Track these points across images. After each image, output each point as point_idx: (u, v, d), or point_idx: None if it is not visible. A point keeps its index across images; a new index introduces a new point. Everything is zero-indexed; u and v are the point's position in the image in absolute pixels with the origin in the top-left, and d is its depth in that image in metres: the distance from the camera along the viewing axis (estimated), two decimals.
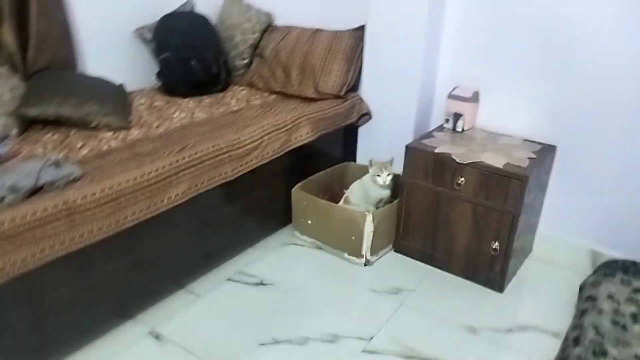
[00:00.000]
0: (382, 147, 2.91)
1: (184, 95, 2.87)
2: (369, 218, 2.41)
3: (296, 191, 2.65)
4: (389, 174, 2.52)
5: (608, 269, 2.30)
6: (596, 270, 2.37)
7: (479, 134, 2.58)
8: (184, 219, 2.17)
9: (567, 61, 2.34)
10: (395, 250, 2.66)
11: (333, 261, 2.57)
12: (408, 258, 2.61)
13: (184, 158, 2.06)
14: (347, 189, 2.84)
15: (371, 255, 2.52)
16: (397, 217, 2.57)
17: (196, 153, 2.11)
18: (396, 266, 2.55)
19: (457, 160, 2.27)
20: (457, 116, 2.60)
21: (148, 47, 3.12)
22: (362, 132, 2.99)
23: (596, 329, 1.93)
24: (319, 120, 2.65)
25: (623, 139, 2.28)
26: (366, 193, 2.62)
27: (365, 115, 2.89)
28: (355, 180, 2.76)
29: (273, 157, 2.45)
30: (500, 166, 2.20)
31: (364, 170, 2.82)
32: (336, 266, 2.53)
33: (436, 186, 2.39)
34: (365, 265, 2.53)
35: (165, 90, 2.94)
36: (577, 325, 1.99)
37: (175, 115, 2.57)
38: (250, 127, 2.37)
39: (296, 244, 2.71)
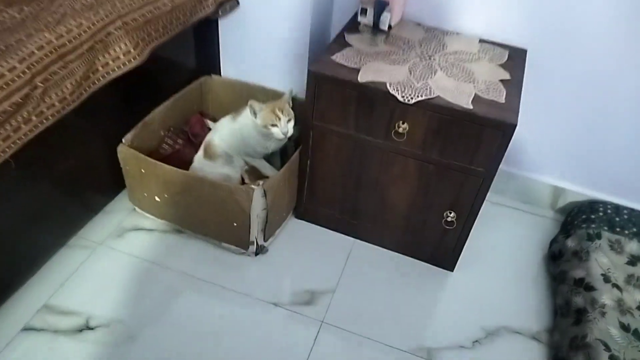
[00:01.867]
0: (259, 51, 1.84)
1: None
2: (258, 194, 1.47)
3: (124, 150, 1.56)
4: (289, 119, 1.53)
5: (589, 224, 1.68)
6: (571, 222, 1.76)
7: (415, 34, 1.63)
8: None
9: None
10: (297, 217, 1.79)
11: (204, 253, 1.64)
12: (318, 227, 1.77)
13: None
14: (214, 120, 1.83)
15: (265, 239, 1.63)
16: (300, 173, 1.66)
17: None
18: (304, 245, 1.71)
19: (399, 98, 1.35)
20: (380, 5, 1.59)
21: None
22: (226, 26, 1.86)
23: (606, 345, 1.35)
24: (146, 23, 1.47)
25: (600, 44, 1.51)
26: (246, 144, 1.63)
27: (229, 2, 1.74)
28: (221, 112, 1.73)
29: (67, 109, 1.30)
30: (468, 105, 1.33)
31: (234, 88, 1.81)
32: (210, 262, 1.62)
33: (361, 134, 1.47)
34: (257, 254, 1.65)
35: None
36: (577, 339, 1.39)
37: None
38: (4, 61, 1.16)
39: (140, 229, 1.70)
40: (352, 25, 1.64)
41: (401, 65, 1.46)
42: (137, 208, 1.72)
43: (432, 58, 1.51)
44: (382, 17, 1.60)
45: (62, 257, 1.57)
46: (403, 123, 1.39)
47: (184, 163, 1.70)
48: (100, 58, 1.36)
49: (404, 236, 1.65)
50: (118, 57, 1.39)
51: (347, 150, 1.52)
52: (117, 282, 1.53)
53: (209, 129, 1.85)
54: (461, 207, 1.50)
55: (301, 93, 1.75)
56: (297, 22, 1.71)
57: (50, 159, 1.42)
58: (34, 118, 1.22)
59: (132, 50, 1.41)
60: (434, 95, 1.35)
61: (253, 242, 1.60)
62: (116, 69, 1.40)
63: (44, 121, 1.25)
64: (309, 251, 1.69)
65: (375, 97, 1.38)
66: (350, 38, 1.56)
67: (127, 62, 1.41)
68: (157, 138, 1.76)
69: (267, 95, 1.86)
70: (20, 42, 1.22)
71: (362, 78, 1.39)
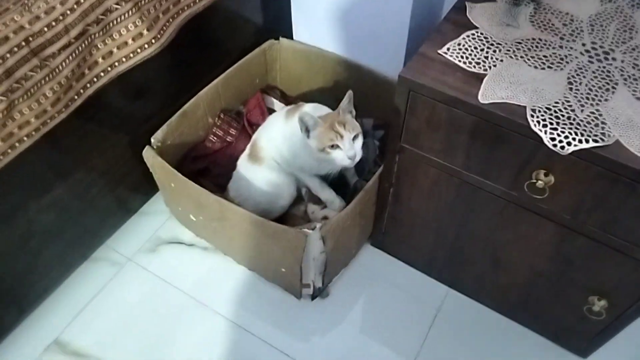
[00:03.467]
0: (341, 9, 1.32)
1: None
2: (314, 239, 1.05)
3: (151, 157, 1.19)
4: (356, 135, 1.06)
5: None
6: None
7: (583, 5, 1.01)
8: None
9: None
10: (374, 245, 1.36)
11: (251, 287, 1.29)
12: (400, 263, 1.33)
13: None
14: (280, 99, 1.41)
15: (325, 283, 1.23)
16: (379, 199, 1.19)
17: None
18: (378, 288, 1.29)
19: (547, 142, 0.80)
20: None
21: None
22: None
23: None
24: None
25: None
26: (296, 157, 1.19)
27: None
28: (292, 86, 1.30)
29: (50, 125, 0.94)
30: None
31: (308, 56, 1.39)
32: (257, 302, 1.26)
33: (474, 175, 0.96)
34: (313, 298, 1.26)
35: None
36: None
37: None
38: None
39: (177, 242, 1.38)
40: None
41: (555, 71, 0.88)
42: (173, 217, 1.39)
43: (610, 57, 0.91)
44: None
45: (84, 275, 1.30)
46: (547, 175, 0.86)
47: (236, 160, 1.31)
48: (99, 46, 0.95)
49: (520, 302, 1.16)
50: (126, 43, 0.98)
51: (450, 188, 1.02)
52: (141, 317, 1.24)
53: (272, 112, 1.42)
54: (619, 298, 0.97)
55: (393, 69, 1.25)
56: None
57: (81, 148, 1.11)
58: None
59: (145, 31, 0.98)
60: (609, 142, 0.79)
61: (309, 285, 1.21)
62: (124, 60, 0.99)
63: (17, 145, 0.90)
64: (385, 297, 1.27)
65: (505, 129, 0.85)
66: (474, 12, 0.99)
67: (139, 50, 0.99)
68: (204, 126, 1.37)
69: (351, 72, 1.37)
70: None
71: (485, 97, 0.85)
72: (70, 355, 1.18)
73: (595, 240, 0.90)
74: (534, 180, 0.87)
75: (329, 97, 1.36)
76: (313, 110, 1.19)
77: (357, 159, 1.08)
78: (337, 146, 1.05)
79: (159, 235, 1.38)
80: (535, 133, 0.81)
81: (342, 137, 1.04)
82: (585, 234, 0.91)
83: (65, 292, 1.27)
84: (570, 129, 0.80)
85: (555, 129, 0.80)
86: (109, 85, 1.03)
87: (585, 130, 0.80)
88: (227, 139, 1.38)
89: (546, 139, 0.80)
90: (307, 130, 1.08)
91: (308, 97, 1.47)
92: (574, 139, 0.79)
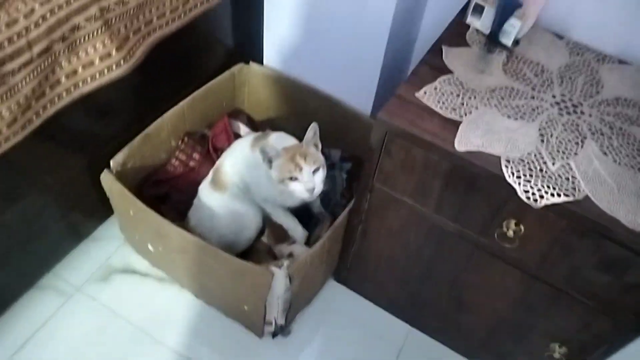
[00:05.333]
0: (314, 37, 1.30)
1: None
2: (280, 277, 1.02)
3: (109, 182, 1.12)
4: (317, 168, 1.04)
5: None
6: None
7: (553, 56, 1.03)
8: None
9: None
10: (337, 281, 1.33)
11: (209, 321, 1.23)
12: (362, 299, 1.31)
13: None
14: (247, 124, 1.38)
15: (287, 321, 1.19)
16: (346, 235, 1.17)
17: None
18: (340, 325, 1.26)
19: (520, 194, 0.81)
20: (507, 5, 1.00)
21: None
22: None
23: None
24: (140, 7, 0.97)
25: None
26: (262, 185, 1.16)
27: None
28: (260, 112, 1.27)
29: (4, 147, 0.87)
30: (636, 225, 0.78)
31: (278, 83, 1.38)
32: (215, 338, 1.21)
33: (444, 219, 0.96)
34: (274, 336, 1.22)
35: None
36: None
37: None
38: None
39: (131, 271, 1.30)
40: (456, 30, 1.07)
41: (528, 122, 0.90)
42: (127, 243, 1.32)
43: (578, 110, 0.94)
44: (506, 26, 1.01)
45: (28, 305, 1.21)
46: (517, 225, 0.86)
47: (198, 187, 1.27)
48: (63, 64, 0.89)
49: (482, 345, 1.16)
50: (92, 63, 0.92)
51: (419, 230, 1.02)
52: (89, 352, 1.15)
53: (238, 137, 1.38)
54: (579, 346, 0.98)
55: (364, 102, 1.26)
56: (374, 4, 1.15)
57: (35, 169, 1.04)
58: None
59: (113, 52, 0.93)
60: (580, 197, 0.80)
61: (271, 322, 1.17)
62: (89, 80, 0.93)
63: None
64: (347, 335, 1.24)
65: (479, 179, 0.85)
66: (451, 56, 1.00)
67: (106, 70, 0.94)
68: (167, 149, 1.31)
69: (320, 102, 1.36)
70: None
71: (461, 145, 0.85)
72: None
73: (559, 289, 0.91)
74: (505, 229, 0.88)
75: (297, 124, 1.34)
76: (278, 139, 1.18)
77: (317, 192, 1.06)
78: (296, 178, 1.04)
79: (111, 264, 1.30)
80: (509, 183, 0.81)
81: (301, 169, 1.03)
82: (549, 283, 0.92)
83: (7, 323, 1.17)
84: (543, 182, 0.81)
85: (529, 181, 0.81)
86: (71, 103, 0.97)
87: (557, 184, 0.81)
88: (190, 164, 1.34)
89: (520, 191, 0.81)
90: (269, 161, 1.06)
91: (275, 123, 1.45)
92: (546, 192, 0.80)
